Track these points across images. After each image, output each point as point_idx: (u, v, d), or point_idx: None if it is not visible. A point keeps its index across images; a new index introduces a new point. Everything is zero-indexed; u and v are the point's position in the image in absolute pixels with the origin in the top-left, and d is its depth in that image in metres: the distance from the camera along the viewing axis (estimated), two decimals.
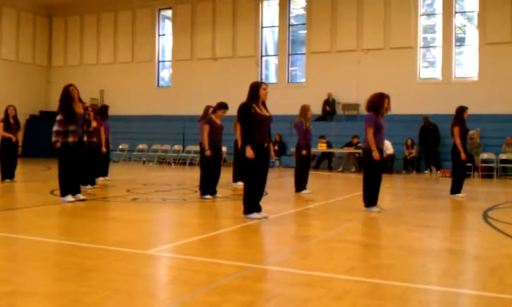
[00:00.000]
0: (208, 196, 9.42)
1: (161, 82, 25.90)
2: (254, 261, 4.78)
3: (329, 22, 21.70)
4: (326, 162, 19.53)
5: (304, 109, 10.95)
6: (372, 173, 8.04)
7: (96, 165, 11.68)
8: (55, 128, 8.43)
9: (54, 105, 19.49)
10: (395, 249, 5.57)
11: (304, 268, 4.58)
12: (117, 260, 4.73)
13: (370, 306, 3.54)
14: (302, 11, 23.30)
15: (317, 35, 22.01)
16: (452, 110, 10.75)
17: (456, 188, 10.51)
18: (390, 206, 9.03)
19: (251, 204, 7.14)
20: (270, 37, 23.83)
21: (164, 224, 7.51)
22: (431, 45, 21.22)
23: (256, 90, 7.18)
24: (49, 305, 3.55)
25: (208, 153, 9.48)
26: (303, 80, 22.74)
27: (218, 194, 9.64)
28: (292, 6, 23.31)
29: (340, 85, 21.15)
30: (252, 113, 7.05)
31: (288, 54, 23.13)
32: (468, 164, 12.59)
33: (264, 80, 20.46)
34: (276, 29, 23.30)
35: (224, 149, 13.88)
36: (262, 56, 23.53)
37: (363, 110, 16.56)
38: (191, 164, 20.81)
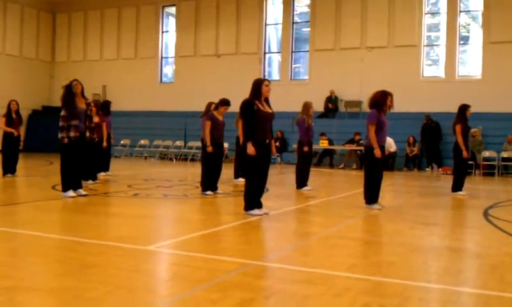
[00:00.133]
0: (209, 192, 9.42)
1: (164, 78, 25.92)
2: (255, 258, 4.79)
3: (333, 20, 21.67)
4: (328, 159, 19.53)
5: (307, 106, 10.93)
6: (374, 170, 8.02)
7: (98, 160, 11.70)
8: (60, 124, 8.47)
9: (57, 101, 19.65)
10: (396, 247, 5.57)
11: (305, 265, 4.58)
12: (118, 256, 4.73)
13: (371, 304, 3.53)
14: (306, 9, 23.26)
15: (320, 33, 21.98)
16: (455, 109, 10.72)
17: (457, 186, 10.50)
18: (391, 204, 9.02)
19: (252, 200, 7.13)
20: (273, 34, 23.81)
21: (165, 220, 7.50)
22: (435, 43, 21.19)
23: (258, 87, 7.17)
24: (49, 300, 3.56)
25: (210, 149, 9.49)
26: (306, 77, 22.73)
27: (219, 190, 9.64)
28: (296, 4, 23.28)
29: (343, 82, 21.13)
30: (254, 110, 7.05)
31: (292, 51, 23.11)
32: (469, 162, 12.59)
33: (266, 77, 20.43)
34: (280, 27, 23.28)
35: (226, 145, 13.88)
36: (265, 53, 23.52)
37: (365, 107, 16.54)
38: (192, 160, 20.81)
